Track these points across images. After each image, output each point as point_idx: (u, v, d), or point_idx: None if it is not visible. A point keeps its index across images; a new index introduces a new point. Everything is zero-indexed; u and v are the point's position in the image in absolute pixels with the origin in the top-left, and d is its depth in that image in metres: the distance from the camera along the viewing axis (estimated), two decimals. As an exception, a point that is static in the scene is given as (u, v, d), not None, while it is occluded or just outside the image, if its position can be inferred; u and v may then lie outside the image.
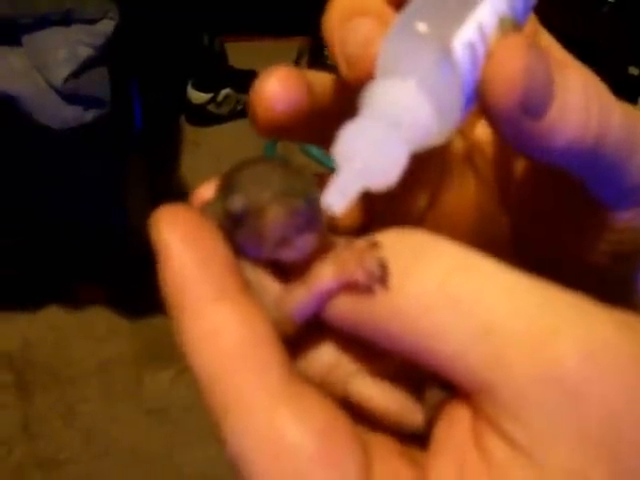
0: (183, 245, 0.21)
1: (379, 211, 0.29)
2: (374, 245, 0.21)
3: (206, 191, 0.26)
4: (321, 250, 0.22)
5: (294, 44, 2.15)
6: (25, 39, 1.17)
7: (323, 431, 0.20)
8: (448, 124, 0.22)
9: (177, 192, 1.81)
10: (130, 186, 1.55)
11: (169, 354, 1.54)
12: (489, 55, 0.21)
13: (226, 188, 0.23)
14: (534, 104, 0.20)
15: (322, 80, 0.27)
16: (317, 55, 2.03)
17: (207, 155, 1.97)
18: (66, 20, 1.18)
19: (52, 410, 1.47)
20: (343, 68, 0.24)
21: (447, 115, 0.21)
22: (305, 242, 0.22)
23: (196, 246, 0.21)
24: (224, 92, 2.06)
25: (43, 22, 1.16)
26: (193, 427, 1.43)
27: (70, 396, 1.49)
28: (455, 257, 0.20)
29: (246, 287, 0.21)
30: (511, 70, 0.20)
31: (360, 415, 0.23)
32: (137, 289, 1.62)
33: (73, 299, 1.60)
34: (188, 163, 1.94)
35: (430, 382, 0.23)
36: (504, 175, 0.28)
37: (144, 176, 1.69)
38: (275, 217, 0.22)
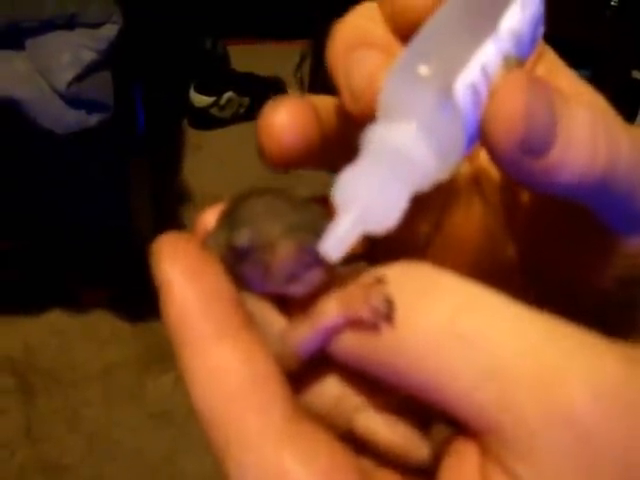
0: (184, 280, 0.20)
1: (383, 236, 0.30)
2: (380, 281, 0.21)
3: (210, 216, 0.26)
4: (327, 281, 0.22)
5: (297, 47, 2.16)
6: (29, 43, 1.18)
7: (327, 472, 0.19)
8: (449, 164, 0.21)
9: (179, 195, 1.82)
10: (133, 189, 1.55)
11: (172, 357, 1.53)
12: (491, 94, 0.21)
13: (230, 218, 0.23)
14: (536, 143, 0.20)
15: (326, 104, 0.26)
16: (320, 58, 2.03)
17: (209, 158, 1.97)
18: (70, 24, 1.18)
19: (55, 414, 1.47)
20: (347, 101, 0.24)
21: (448, 156, 0.21)
22: (313, 277, 0.22)
23: (197, 281, 0.21)
24: (227, 95, 2.06)
25: (47, 26, 1.16)
26: (196, 430, 1.42)
27: (73, 400, 1.49)
28: (461, 293, 0.20)
29: (248, 323, 0.21)
30: (512, 109, 0.20)
31: (365, 448, 0.23)
32: (140, 292, 1.62)
33: (76, 302, 1.60)
34: (190, 166, 1.94)
35: (436, 418, 0.23)
36: (510, 199, 0.27)
37: (147, 179, 1.69)
38: (285, 254, 0.21)
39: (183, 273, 0.21)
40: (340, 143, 0.26)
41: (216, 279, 0.21)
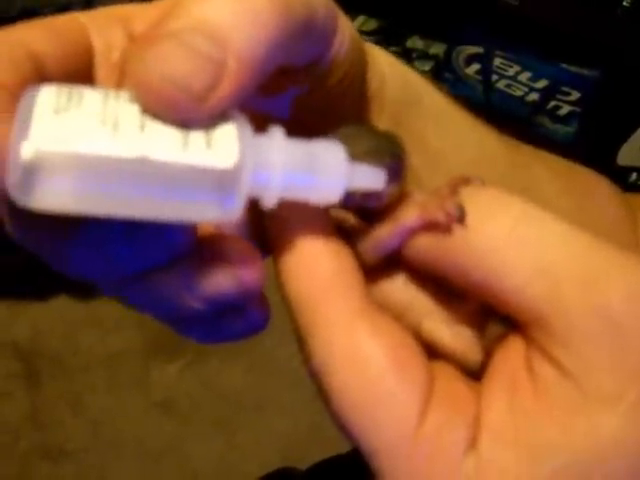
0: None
1: None
2: (454, 192, 0.25)
3: None
4: (400, 201, 0.26)
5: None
6: (45, 28, 1.17)
7: (395, 346, 0.23)
8: None
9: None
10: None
11: (177, 346, 1.54)
12: None
13: None
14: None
15: None
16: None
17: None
18: (88, 9, 1.18)
19: (60, 400, 1.47)
20: None
21: None
22: (389, 192, 0.25)
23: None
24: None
25: (65, 11, 1.15)
26: (200, 419, 1.43)
27: (78, 386, 1.49)
28: (522, 209, 0.24)
29: (336, 231, 0.25)
30: None
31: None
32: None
33: (83, 289, 1.60)
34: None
35: (493, 318, 0.26)
36: None
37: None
38: None
39: None
40: None
41: None
